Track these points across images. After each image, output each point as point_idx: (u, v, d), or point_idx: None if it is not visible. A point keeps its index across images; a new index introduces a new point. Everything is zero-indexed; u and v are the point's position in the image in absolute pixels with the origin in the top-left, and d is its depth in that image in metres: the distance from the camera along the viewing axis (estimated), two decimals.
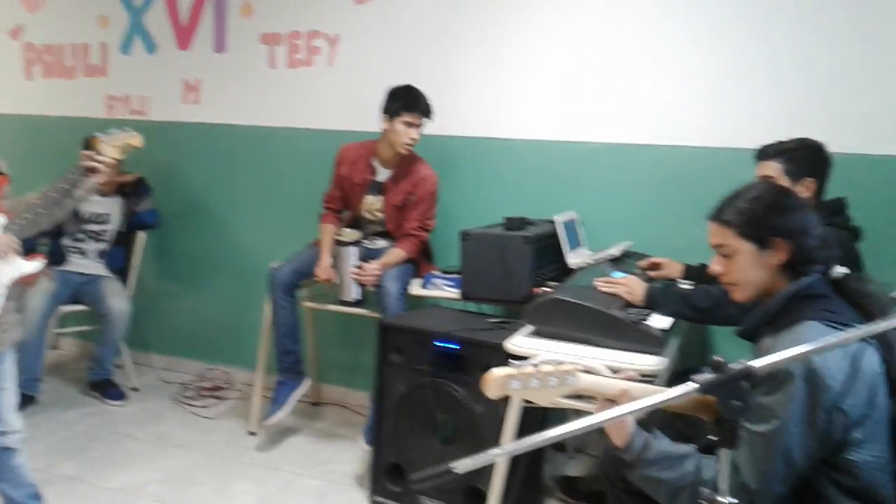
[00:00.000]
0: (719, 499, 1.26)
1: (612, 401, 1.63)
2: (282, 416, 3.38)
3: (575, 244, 3.19)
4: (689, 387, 1.21)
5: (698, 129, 3.18)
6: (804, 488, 1.61)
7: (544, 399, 1.54)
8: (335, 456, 3.39)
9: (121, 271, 4.01)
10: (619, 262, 2.99)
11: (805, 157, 2.48)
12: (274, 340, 3.43)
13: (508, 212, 3.13)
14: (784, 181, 2.42)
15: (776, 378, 1.54)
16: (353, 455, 3.36)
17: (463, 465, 1.27)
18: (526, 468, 2.75)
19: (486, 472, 2.63)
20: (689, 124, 3.20)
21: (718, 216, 1.76)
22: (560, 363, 1.51)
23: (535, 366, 1.49)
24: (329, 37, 3.82)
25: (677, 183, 3.23)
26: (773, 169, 2.47)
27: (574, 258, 3.08)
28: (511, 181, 3.53)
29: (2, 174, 2.56)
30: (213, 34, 4.08)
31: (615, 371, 1.92)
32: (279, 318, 3.37)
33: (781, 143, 2.53)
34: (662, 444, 1.62)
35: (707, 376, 1.20)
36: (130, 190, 3.94)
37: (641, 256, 3.06)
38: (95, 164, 2.55)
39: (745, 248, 1.72)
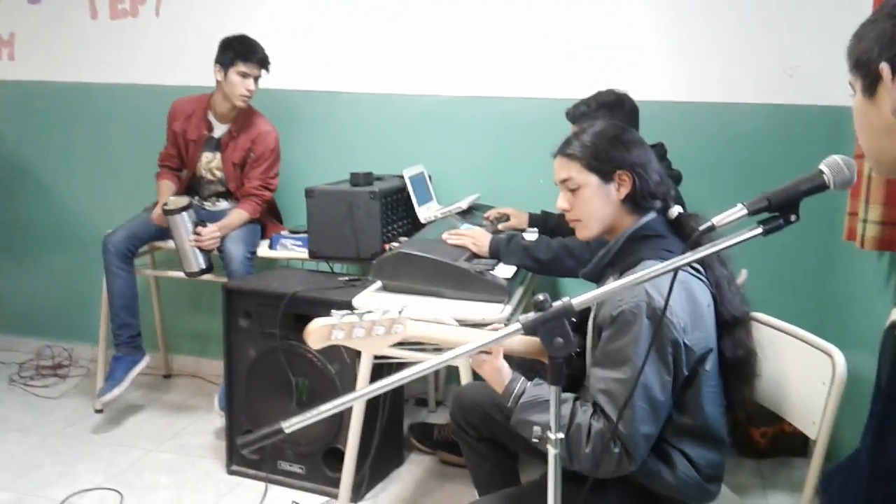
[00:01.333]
0: (550, 435, 1.28)
1: (486, 351, 1.64)
2: (117, 392, 3.20)
3: (425, 198, 3.17)
4: (514, 327, 1.21)
5: (539, 81, 3.23)
6: None
7: (373, 348, 1.52)
8: (189, 428, 3.27)
9: None
10: (468, 214, 3.00)
11: (602, 118, 2.44)
12: (109, 313, 3.25)
13: (355, 167, 3.07)
14: None
15: (621, 321, 1.57)
16: (208, 426, 3.26)
17: (292, 423, 1.23)
18: (385, 424, 2.74)
19: (344, 431, 2.60)
20: (530, 76, 3.24)
21: (564, 150, 1.79)
22: (386, 311, 1.48)
23: (360, 315, 1.46)
24: None
25: (521, 134, 3.27)
26: None
27: (424, 212, 3.06)
28: (357, 136, 3.47)
29: None
30: None
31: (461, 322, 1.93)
32: (114, 289, 3.18)
33: (580, 104, 2.58)
34: (540, 388, 1.63)
35: (530, 315, 1.20)
36: None
37: (490, 208, 3.08)
38: None
39: (590, 181, 1.74)
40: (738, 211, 1.18)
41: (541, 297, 1.20)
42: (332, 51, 3.44)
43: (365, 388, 1.23)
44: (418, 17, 3.32)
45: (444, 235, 2.61)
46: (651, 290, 1.54)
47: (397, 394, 2.96)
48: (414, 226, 3.07)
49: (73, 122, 3.83)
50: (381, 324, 1.48)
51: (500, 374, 1.65)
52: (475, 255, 2.52)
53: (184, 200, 3.13)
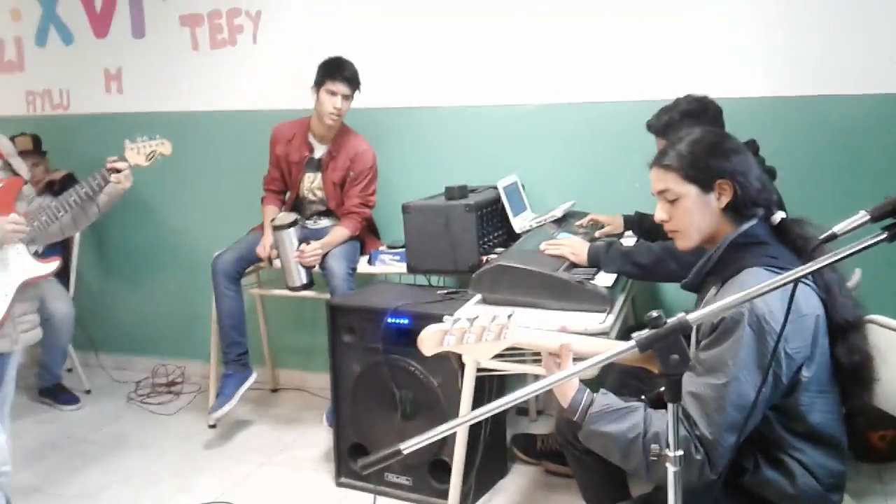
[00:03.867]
0: (668, 453, 1.26)
1: (555, 354, 1.62)
2: (228, 409, 3.31)
3: (520, 208, 3.17)
4: (628, 344, 1.20)
5: (628, 83, 3.19)
6: (759, 436, 1.62)
7: (482, 354, 1.53)
8: (298, 441, 3.36)
9: (59, 272, 3.87)
10: (563, 222, 2.99)
11: (690, 125, 2.31)
12: (219, 332, 3.37)
13: (449, 180, 3.09)
14: None
15: (723, 328, 1.54)
16: (317, 438, 3.34)
17: (409, 445, 1.25)
18: (488, 436, 2.75)
19: (449, 443, 2.62)
20: (619, 79, 3.20)
21: (660, 161, 1.74)
22: (495, 317, 1.49)
23: (470, 321, 1.47)
24: (251, 14, 3.72)
25: (613, 138, 3.23)
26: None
27: (519, 222, 3.06)
28: (449, 149, 3.50)
29: (17, 175, 2.54)
30: (131, 19, 3.96)
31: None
32: (223, 308, 3.30)
33: (662, 114, 2.50)
34: (608, 398, 1.61)
35: (645, 332, 1.19)
36: (59, 187, 3.81)
37: (584, 215, 3.05)
38: (121, 171, 2.54)
39: (689, 191, 1.70)
40: (861, 217, 1.14)
41: (654, 313, 1.19)
42: (422, 68, 3.48)
43: (482, 409, 1.24)
44: (504, 28, 3.33)
45: (542, 246, 2.60)
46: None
47: None
48: (509, 236, 3.08)
49: (179, 150, 3.94)
50: (491, 330, 1.50)
51: (569, 383, 1.61)
52: (574, 265, 2.51)
53: (290, 217, 3.23)
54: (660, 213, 1.77)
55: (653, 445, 1.31)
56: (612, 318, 2.28)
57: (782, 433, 1.60)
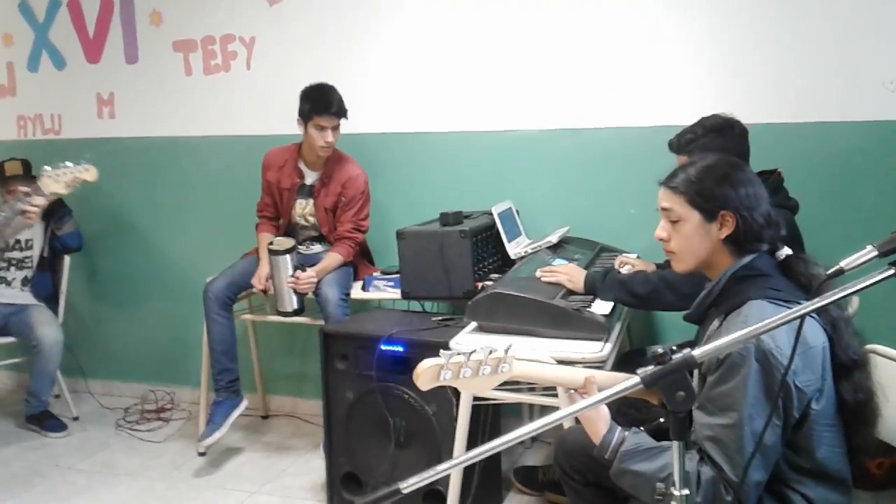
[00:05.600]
0: (674, 491, 1.24)
1: (579, 390, 1.61)
2: (218, 436, 3.27)
3: (514, 234, 3.16)
4: (633, 381, 1.18)
5: (625, 110, 3.18)
6: None
7: (479, 388, 1.51)
8: (289, 469, 3.31)
9: (49, 298, 3.86)
10: (558, 248, 2.97)
11: (712, 143, 2.33)
12: (210, 358, 3.33)
13: (444, 206, 3.08)
14: None
15: (729, 363, 1.52)
16: (308, 466, 3.29)
17: (409, 484, 1.23)
18: (483, 464, 2.71)
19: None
20: (614, 106, 3.20)
21: (669, 182, 1.74)
22: (492, 351, 1.47)
23: (467, 355, 1.45)
24: (245, 40, 3.72)
25: (608, 164, 3.23)
26: None
27: (514, 248, 3.05)
28: (444, 175, 3.49)
29: None
30: (124, 45, 3.95)
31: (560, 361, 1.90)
32: (214, 335, 3.26)
33: (685, 132, 2.44)
34: (639, 437, 1.59)
35: (649, 369, 1.17)
36: (49, 212, 3.77)
37: (582, 241, 3.04)
38: (28, 207, 2.46)
39: (692, 217, 1.70)
40: (868, 253, 1.13)
41: (660, 349, 1.17)
42: (416, 93, 3.48)
43: (489, 445, 1.21)
44: (498, 54, 3.33)
45: (538, 273, 2.58)
46: None
47: (494, 433, 2.93)
48: (504, 262, 3.06)
49: (171, 175, 3.98)
50: (488, 363, 1.48)
51: (599, 415, 1.61)
52: (570, 292, 2.49)
53: (289, 243, 3.20)
54: (660, 231, 1.77)
55: (658, 484, 1.29)
56: (609, 346, 2.26)
57: (787, 468, 1.58)
